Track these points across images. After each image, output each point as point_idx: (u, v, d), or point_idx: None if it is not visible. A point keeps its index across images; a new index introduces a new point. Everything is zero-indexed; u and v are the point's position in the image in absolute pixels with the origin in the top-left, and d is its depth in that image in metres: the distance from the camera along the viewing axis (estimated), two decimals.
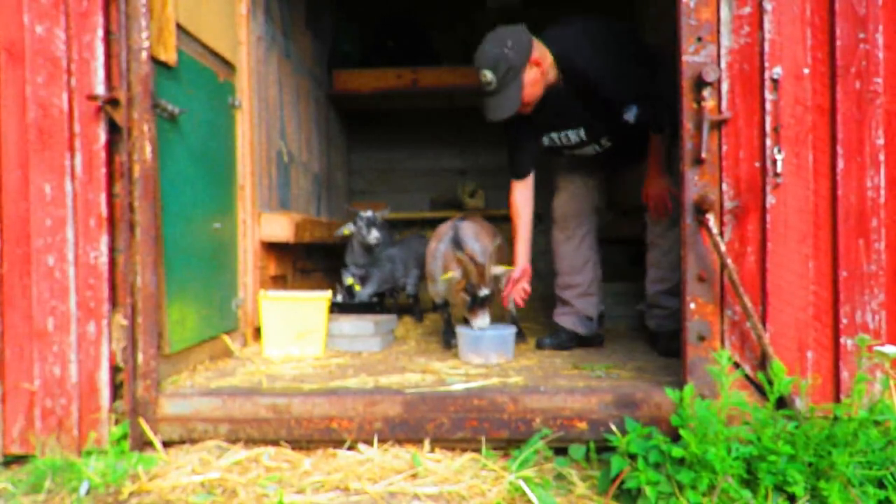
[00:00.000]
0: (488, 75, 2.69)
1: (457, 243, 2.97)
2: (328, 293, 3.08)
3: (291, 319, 2.96)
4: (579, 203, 3.23)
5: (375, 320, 3.16)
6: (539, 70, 2.71)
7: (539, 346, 3.09)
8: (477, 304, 2.80)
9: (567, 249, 3.21)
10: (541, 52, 2.72)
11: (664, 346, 2.87)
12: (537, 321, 4.07)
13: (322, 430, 2.16)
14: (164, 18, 2.37)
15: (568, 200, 3.24)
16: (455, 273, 2.87)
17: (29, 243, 2.15)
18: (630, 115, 2.77)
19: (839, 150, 2.04)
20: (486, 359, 2.73)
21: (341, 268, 4.04)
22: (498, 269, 2.92)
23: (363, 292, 3.94)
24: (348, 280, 3.93)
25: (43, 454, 2.12)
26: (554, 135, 2.96)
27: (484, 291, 2.79)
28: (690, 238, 2.09)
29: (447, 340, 3.17)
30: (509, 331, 2.81)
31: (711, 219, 2.05)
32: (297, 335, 2.95)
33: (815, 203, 2.06)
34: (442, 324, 3.30)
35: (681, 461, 1.81)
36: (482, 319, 2.80)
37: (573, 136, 2.94)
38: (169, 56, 2.40)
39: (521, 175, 3.00)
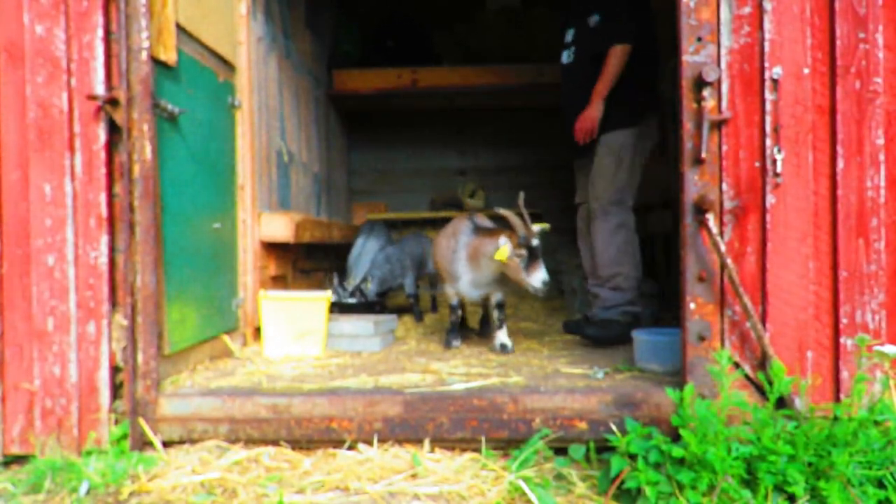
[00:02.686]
0: None
1: (481, 228, 2.97)
2: (328, 293, 3.08)
3: (291, 319, 2.96)
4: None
5: (375, 320, 3.16)
6: None
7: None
8: (533, 257, 2.74)
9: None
10: None
11: (593, 332, 3.08)
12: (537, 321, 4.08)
13: (322, 430, 2.16)
14: (164, 18, 2.37)
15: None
16: (503, 241, 2.76)
17: (29, 243, 2.15)
18: (592, 20, 3.03)
19: (839, 149, 2.04)
20: (664, 365, 2.50)
21: (337, 269, 4.06)
22: (536, 227, 2.85)
23: (368, 292, 3.96)
24: (363, 281, 3.95)
25: (43, 454, 2.12)
26: (566, 29, 3.30)
27: (535, 241, 2.74)
28: (690, 238, 2.09)
29: (449, 341, 3.16)
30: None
31: (711, 219, 2.05)
32: (297, 335, 2.95)
33: (815, 203, 2.06)
34: (448, 324, 3.27)
35: (681, 461, 1.81)
36: (541, 272, 2.73)
37: (569, 33, 3.25)
38: (169, 56, 2.40)
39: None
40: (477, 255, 2.94)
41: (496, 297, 3.05)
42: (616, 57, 3.06)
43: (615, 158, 3.16)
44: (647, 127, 3.22)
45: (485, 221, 3.12)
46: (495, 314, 3.04)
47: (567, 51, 3.32)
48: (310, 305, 2.98)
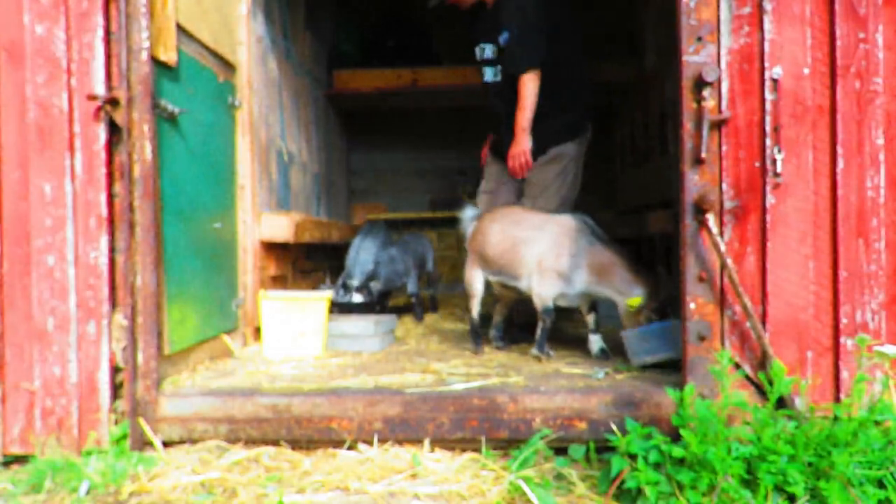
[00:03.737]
0: None
1: (603, 240, 2.79)
2: (328, 293, 3.08)
3: (291, 319, 2.95)
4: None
5: (375, 320, 3.16)
6: None
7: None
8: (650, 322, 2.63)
9: None
10: None
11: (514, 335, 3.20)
12: None
13: (322, 430, 2.16)
14: (164, 18, 2.37)
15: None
16: (639, 291, 2.65)
17: (29, 243, 2.15)
18: (502, 39, 3.03)
19: (839, 149, 2.04)
20: (654, 355, 2.52)
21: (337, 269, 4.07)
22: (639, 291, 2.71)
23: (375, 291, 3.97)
24: (370, 279, 3.96)
25: (43, 454, 2.12)
26: (480, 45, 3.25)
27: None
28: (690, 238, 2.09)
29: (547, 351, 2.81)
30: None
31: (711, 219, 2.05)
32: (297, 335, 2.94)
33: (815, 203, 2.06)
34: (540, 331, 2.84)
35: (681, 461, 1.81)
36: (636, 336, 2.61)
37: (488, 49, 3.23)
38: (169, 56, 2.40)
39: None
40: (599, 275, 2.74)
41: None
42: (526, 87, 3.06)
43: (560, 171, 3.22)
44: (585, 136, 3.29)
45: (595, 226, 2.87)
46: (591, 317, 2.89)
47: (491, 68, 3.29)
48: (310, 305, 2.97)
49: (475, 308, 3.13)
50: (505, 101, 3.21)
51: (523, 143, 3.13)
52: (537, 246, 2.85)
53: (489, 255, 3.02)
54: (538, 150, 3.22)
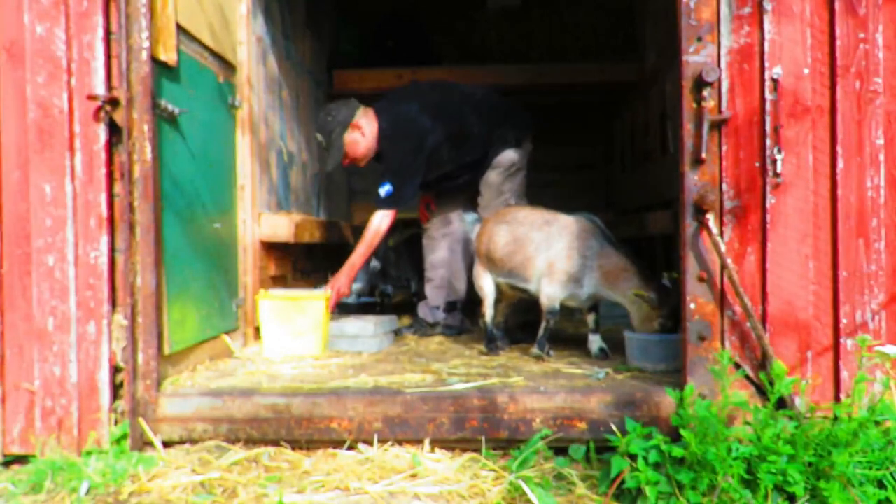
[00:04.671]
0: (318, 137, 3.36)
1: (613, 243, 2.77)
2: (328, 291, 3.07)
3: (290, 318, 2.93)
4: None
5: (375, 320, 3.16)
6: (359, 132, 3.27)
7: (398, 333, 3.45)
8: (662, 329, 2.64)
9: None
10: (366, 120, 3.30)
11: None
12: None
13: (322, 430, 2.16)
14: (165, 18, 2.36)
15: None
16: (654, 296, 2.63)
17: (29, 243, 2.15)
18: (381, 190, 3.27)
19: (839, 150, 2.04)
20: (655, 364, 2.53)
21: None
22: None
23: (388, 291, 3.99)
24: (384, 278, 3.99)
25: (43, 454, 2.12)
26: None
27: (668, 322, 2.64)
28: (690, 238, 2.09)
29: (548, 350, 2.82)
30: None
31: (711, 219, 2.05)
32: (297, 334, 2.93)
33: (815, 203, 2.06)
34: (543, 331, 2.84)
35: (681, 461, 1.81)
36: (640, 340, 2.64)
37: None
38: (169, 56, 2.40)
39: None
40: (610, 279, 2.72)
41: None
42: (377, 225, 3.26)
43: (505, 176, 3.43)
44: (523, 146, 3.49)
45: (605, 227, 2.84)
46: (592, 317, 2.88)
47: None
48: (308, 304, 2.96)
49: (488, 311, 3.08)
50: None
51: (344, 287, 3.25)
52: (547, 247, 2.82)
53: (497, 258, 2.98)
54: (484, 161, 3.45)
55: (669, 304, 2.60)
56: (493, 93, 3.60)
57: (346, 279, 3.23)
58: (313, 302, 2.97)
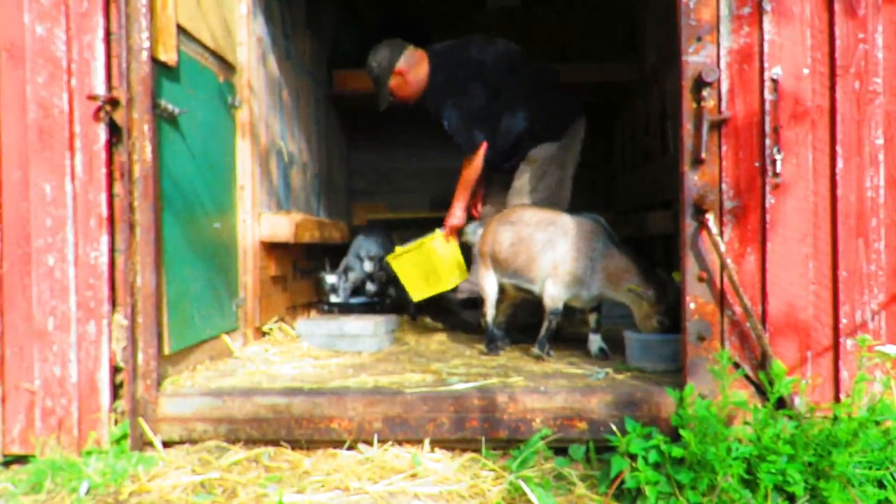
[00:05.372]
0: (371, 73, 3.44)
1: (618, 244, 2.78)
2: (436, 231, 3.32)
3: (419, 264, 3.32)
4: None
5: (375, 320, 3.16)
6: (402, 78, 3.37)
7: None
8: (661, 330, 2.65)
9: None
10: (411, 63, 3.37)
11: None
12: None
13: (322, 429, 2.16)
14: (165, 19, 2.37)
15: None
16: (651, 293, 2.64)
17: (29, 243, 2.15)
18: (445, 122, 3.34)
19: (839, 150, 2.04)
20: (654, 364, 2.54)
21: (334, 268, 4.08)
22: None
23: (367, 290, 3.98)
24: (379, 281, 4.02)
25: (43, 454, 2.12)
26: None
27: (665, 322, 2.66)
28: (690, 238, 2.09)
29: (549, 351, 2.82)
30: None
31: (711, 219, 2.05)
32: (425, 278, 3.31)
33: (814, 203, 2.06)
34: (545, 331, 2.84)
35: (681, 461, 1.81)
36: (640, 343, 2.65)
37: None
38: (169, 56, 2.40)
39: None
40: (613, 280, 2.73)
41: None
42: (465, 168, 3.31)
43: (538, 174, 3.35)
44: (565, 139, 3.39)
45: (609, 228, 2.84)
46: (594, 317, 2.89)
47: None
48: (425, 247, 3.29)
49: (490, 312, 3.07)
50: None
51: (461, 218, 3.36)
52: (552, 248, 2.82)
53: (502, 259, 2.97)
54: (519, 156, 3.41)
55: (667, 301, 2.61)
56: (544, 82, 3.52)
57: (460, 211, 3.37)
58: (423, 245, 3.31)
